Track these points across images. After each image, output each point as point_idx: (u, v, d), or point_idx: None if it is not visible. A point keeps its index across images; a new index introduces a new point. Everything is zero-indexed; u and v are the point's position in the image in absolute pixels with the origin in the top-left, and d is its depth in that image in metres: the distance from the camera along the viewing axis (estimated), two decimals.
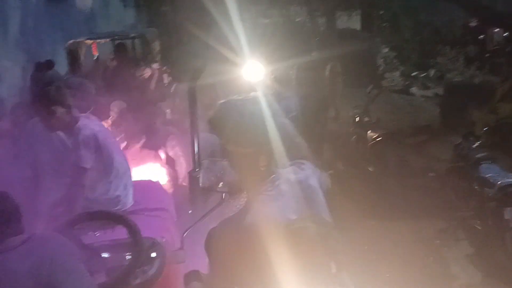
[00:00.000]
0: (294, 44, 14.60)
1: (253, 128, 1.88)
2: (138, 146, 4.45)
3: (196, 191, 3.24)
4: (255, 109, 1.92)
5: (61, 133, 3.03)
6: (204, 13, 24.11)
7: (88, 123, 3.03)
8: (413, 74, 12.57)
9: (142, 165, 4.24)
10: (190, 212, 3.91)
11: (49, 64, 8.19)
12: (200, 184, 2.99)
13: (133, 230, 2.50)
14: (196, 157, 3.32)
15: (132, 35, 9.51)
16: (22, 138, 3.36)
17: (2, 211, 2.18)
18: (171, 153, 4.47)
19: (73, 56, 8.48)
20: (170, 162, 4.46)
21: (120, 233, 2.68)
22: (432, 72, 12.51)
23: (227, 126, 1.89)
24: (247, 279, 1.77)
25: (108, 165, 3.08)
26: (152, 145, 4.51)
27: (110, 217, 2.74)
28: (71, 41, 8.47)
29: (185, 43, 22.15)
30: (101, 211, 2.87)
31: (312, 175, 1.97)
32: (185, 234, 2.86)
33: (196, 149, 3.35)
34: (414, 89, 11.59)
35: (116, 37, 9.42)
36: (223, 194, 3.12)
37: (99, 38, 8.99)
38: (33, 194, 3.26)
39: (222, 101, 2.01)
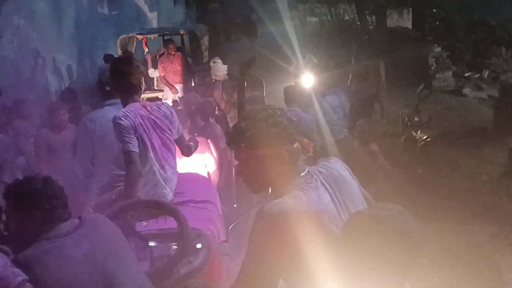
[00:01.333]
0: (342, 42, 14.43)
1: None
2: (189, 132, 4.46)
3: (241, 185, 3.23)
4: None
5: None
6: (253, 10, 24.24)
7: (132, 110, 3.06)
8: (466, 74, 12.17)
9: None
10: (235, 205, 3.94)
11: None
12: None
13: (181, 221, 2.52)
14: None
15: (182, 30, 9.62)
16: (81, 130, 3.42)
17: (49, 196, 2.21)
18: (221, 145, 4.48)
19: (124, 51, 8.67)
20: (219, 153, 4.47)
21: (168, 223, 2.70)
22: (486, 73, 12.08)
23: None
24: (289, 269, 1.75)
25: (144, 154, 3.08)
26: (204, 133, 4.54)
27: (161, 207, 2.76)
28: (122, 36, 8.66)
29: (233, 40, 22.33)
30: (154, 200, 2.90)
31: (342, 167, 1.94)
32: (230, 227, 2.85)
33: None
34: (466, 90, 11.20)
35: (166, 32, 9.57)
36: (269, 189, 3.12)
37: (149, 33, 9.16)
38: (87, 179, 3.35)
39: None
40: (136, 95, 3.16)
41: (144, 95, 7.19)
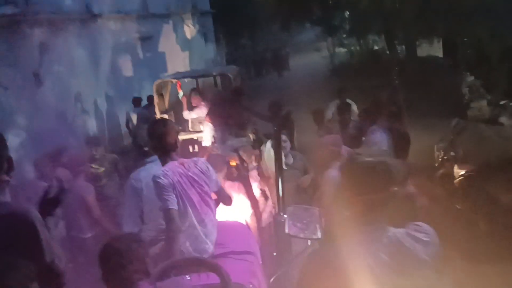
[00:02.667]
0: (372, 73, 14.46)
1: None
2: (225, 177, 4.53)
3: (281, 235, 3.26)
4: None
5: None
6: (282, 44, 24.53)
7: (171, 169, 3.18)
8: (502, 102, 11.95)
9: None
10: (274, 254, 3.96)
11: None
12: (286, 230, 3.03)
13: (224, 278, 2.57)
14: (281, 201, 3.36)
15: (214, 73, 9.87)
16: (128, 189, 3.55)
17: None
18: (257, 192, 4.54)
19: (159, 94, 8.95)
20: (253, 198, 4.52)
21: (210, 278, 2.76)
22: None
23: None
24: None
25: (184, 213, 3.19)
26: (238, 177, 4.61)
27: (203, 264, 2.83)
28: (158, 81, 8.94)
29: (263, 75, 22.65)
30: (195, 257, 2.97)
31: None
32: (272, 279, 2.89)
33: (280, 192, 3.39)
34: (503, 119, 10.98)
35: (200, 75, 9.84)
36: (309, 241, 3.14)
37: (183, 77, 9.42)
38: None
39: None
40: (173, 152, 3.30)
41: (180, 137, 7.36)
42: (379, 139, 5.31)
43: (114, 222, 5.13)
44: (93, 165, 6.19)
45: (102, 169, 6.28)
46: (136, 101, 10.52)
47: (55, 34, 9.76)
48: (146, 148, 3.62)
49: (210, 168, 3.46)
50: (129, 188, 3.45)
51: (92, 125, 11.20)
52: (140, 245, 2.40)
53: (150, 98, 9.85)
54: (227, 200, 3.65)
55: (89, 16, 11.06)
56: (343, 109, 7.82)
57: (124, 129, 11.86)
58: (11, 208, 2.25)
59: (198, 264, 2.86)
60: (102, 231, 5.05)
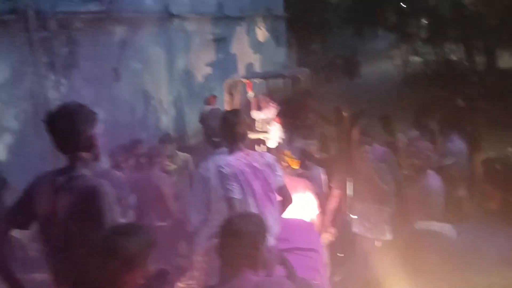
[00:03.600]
0: (448, 83, 13.93)
1: None
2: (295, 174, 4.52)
3: (347, 234, 3.21)
4: None
5: None
6: (354, 51, 24.20)
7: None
8: None
9: (295, 193, 4.28)
10: (338, 254, 3.90)
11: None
12: (353, 229, 2.99)
13: (290, 270, 2.56)
14: (349, 199, 3.31)
15: (286, 74, 9.89)
16: (197, 178, 3.63)
17: None
18: (325, 189, 4.49)
19: (230, 93, 9.08)
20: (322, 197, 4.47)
21: (276, 270, 2.75)
22: None
23: None
24: None
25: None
26: (309, 175, 4.58)
27: (270, 253, 2.83)
28: (229, 80, 9.09)
29: (333, 81, 22.44)
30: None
31: None
32: (336, 279, 2.84)
33: (350, 192, 3.34)
34: None
35: (271, 76, 9.90)
36: (374, 241, 3.07)
37: (253, 77, 9.52)
38: None
39: None
40: (241, 143, 3.33)
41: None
42: (457, 148, 5.12)
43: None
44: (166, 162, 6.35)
45: (174, 166, 6.44)
46: (211, 99, 10.64)
47: (134, 32, 10.16)
48: (216, 139, 3.67)
49: (276, 163, 3.46)
50: (197, 177, 3.52)
51: (163, 122, 11.54)
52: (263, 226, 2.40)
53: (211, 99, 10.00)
54: (287, 201, 3.61)
55: (167, 16, 11.43)
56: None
57: (191, 128, 12.16)
58: (87, 180, 2.39)
59: (265, 254, 2.86)
60: (173, 222, 5.21)
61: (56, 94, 7.90)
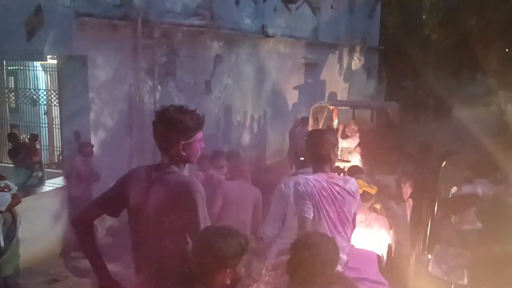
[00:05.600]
0: None
1: None
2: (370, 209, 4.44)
3: (420, 274, 3.09)
4: None
5: None
6: (447, 93, 23.37)
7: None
8: None
9: (369, 229, 4.21)
10: None
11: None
12: (429, 270, 2.87)
13: None
14: (426, 239, 3.19)
15: (374, 106, 9.75)
16: (276, 192, 3.68)
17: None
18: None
19: (315, 118, 9.11)
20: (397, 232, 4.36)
21: None
22: None
23: None
24: None
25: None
26: (387, 210, 4.48)
27: (342, 279, 2.79)
28: (316, 105, 9.12)
29: (422, 120, 21.76)
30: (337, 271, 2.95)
31: None
32: None
33: (428, 231, 3.22)
34: None
35: (359, 106, 9.82)
36: (452, 285, 2.93)
37: (341, 105, 9.48)
38: None
39: None
40: (326, 165, 3.31)
41: None
42: None
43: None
44: None
45: None
46: (303, 121, 10.63)
47: (230, 48, 10.52)
48: (302, 158, 3.70)
49: (358, 192, 3.40)
50: (277, 192, 3.55)
51: (245, 138, 11.77)
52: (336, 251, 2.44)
53: (305, 119, 10.05)
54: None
55: (263, 36, 11.72)
56: None
57: (271, 148, 12.30)
58: (181, 177, 2.51)
59: (337, 277, 2.82)
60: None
61: (151, 99, 8.33)
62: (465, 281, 2.62)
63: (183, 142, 2.50)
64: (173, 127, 2.48)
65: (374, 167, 7.70)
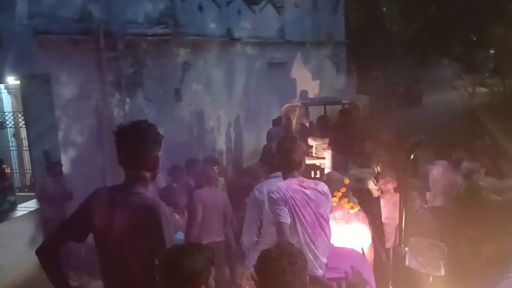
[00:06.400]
0: None
1: None
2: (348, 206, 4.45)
3: (399, 268, 3.10)
4: None
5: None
6: (417, 79, 23.67)
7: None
8: None
9: (349, 225, 4.20)
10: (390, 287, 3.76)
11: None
12: (406, 263, 2.87)
13: None
14: (402, 232, 3.20)
15: (344, 101, 9.81)
16: (250, 200, 3.65)
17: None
18: (384, 220, 4.39)
19: (287, 118, 9.11)
20: (376, 228, 4.37)
21: None
22: None
23: None
24: None
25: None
26: (364, 204, 4.50)
27: (319, 283, 2.79)
28: (287, 105, 9.12)
29: (393, 109, 22.04)
30: (313, 275, 2.94)
31: None
32: None
33: (403, 224, 3.22)
34: None
35: (329, 102, 9.85)
36: (431, 277, 2.94)
37: (312, 103, 9.51)
38: None
39: None
40: (296, 171, 3.33)
41: None
42: None
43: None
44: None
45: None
46: (277, 121, 10.60)
47: (197, 54, 10.46)
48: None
49: (330, 194, 3.43)
50: (251, 199, 3.53)
51: (220, 143, 11.72)
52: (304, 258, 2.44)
53: (278, 120, 10.05)
54: None
55: (229, 40, 11.70)
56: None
57: (247, 150, 12.28)
58: (145, 199, 2.46)
59: (313, 281, 2.81)
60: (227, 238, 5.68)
61: (120, 112, 8.22)
62: (442, 272, 2.63)
63: (149, 158, 2.47)
64: (151, 138, 2.46)
65: (348, 162, 7.74)
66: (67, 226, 2.58)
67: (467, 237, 1.89)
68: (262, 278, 2.30)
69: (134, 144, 2.48)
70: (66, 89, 7.31)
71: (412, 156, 3.21)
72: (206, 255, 2.14)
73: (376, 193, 5.40)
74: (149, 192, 2.57)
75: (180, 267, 2.06)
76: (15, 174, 8.91)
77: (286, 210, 3.12)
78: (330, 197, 3.37)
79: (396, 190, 5.16)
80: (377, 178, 6.04)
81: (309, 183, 3.30)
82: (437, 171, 6.26)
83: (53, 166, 6.74)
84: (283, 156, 3.32)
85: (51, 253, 2.55)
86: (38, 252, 2.55)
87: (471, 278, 1.95)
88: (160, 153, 2.54)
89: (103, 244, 2.52)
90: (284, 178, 3.31)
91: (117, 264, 2.47)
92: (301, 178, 3.30)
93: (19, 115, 8.28)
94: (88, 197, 2.58)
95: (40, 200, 6.96)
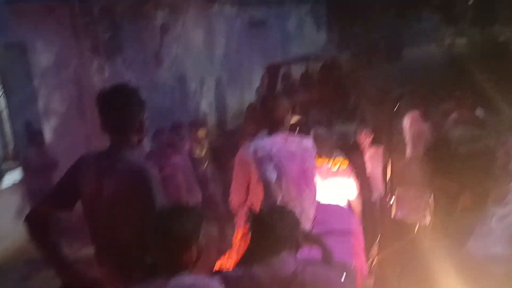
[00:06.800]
0: (496, 67, 13.43)
1: None
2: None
3: (386, 219, 3.18)
4: None
5: None
6: (397, 34, 23.55)
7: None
8: None
9: (334, 178, 4.25)
10: (378, 238, 3.87)
11: None
12: (392, 215, 2.95)
13: (327, 252, 2.57)
14: (388, 183, 3.27)
15: (325, 58, 9.78)
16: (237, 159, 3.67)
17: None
18: (368, 171, 4.45)
19: (270, 77, 9.07)
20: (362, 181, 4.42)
21: (312, 253, 2.75)
22: None
23: None
24: None
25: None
26: (350, 158, 4.54)
27: (307, 237, 2.84)
28: (269, 64, 9.07)
29: (375, 64, 22.01)
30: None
31: None
32: (373, 263, 2.83)
33: (389, 174, 3.30)
34: None
35: (310, 59, 9.81)
36: (416, 227, 3.02)
37: (294, 61, 9.46)
38: None
39: None
40: (281, 128, 3.34)
41: None
42: None
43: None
44: (197, 148, 6.48)
45: (204, 150, 6.56)
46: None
47: (175, 16, 10.24)
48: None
49: (314, 149, 3.45)
50: (238, 159, 3.55)
51: (203, 106, 11.65)
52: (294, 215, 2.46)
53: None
54: None
55: (208, 0, 11.45)
56: None
57: (231, 112, 12.25)
58: (132, 164, 2.45)
59: (302, 237, 2.86)
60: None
61: (100, 78, 8.09)
62: (427, 221, 2.70)
63: (134, 121, 2.46)
64: (135, 101, 2.44)
65: (332, 118, 7.79)
66: (54, 194, 2.54)
67: (442, 188, 1.93)
68: (253, 236, 2.33)
69: (119, 107, 2.45)
70: (43, 57, 7.15)
71: (395, 109, 3.26)
72: (195, 215, 2.14)
73: (360, 147, 5.47)
74: (136, 157, 2.55)
75: (171, 229, 2.06)
76: None
77: (272, 167, 3.14)
78: (314, 152, 3.39)
79: (376, 143, 5.21)
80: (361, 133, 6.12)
81: (294, 138, 3.31)
82: (406, 121, 6.39)
83: (35, 135, 6.66)
84: (267, 113, 3.32)
85: (39, 223, 2.51)
86: (26, 222, 2.51)
87: (453, 226, 2.00)
88: (146, 116, 2.52)
89: (91, 211, 2.50)
90: (269, 135, 3.32)
91: (107, 229, 2.47)
92: (285, 135, 3.32)
93: None
94: (74, 164, 2.54)
95: (24, 171, 6.91)
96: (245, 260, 2.38)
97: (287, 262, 2.20)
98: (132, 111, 2.49)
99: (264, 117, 3.35)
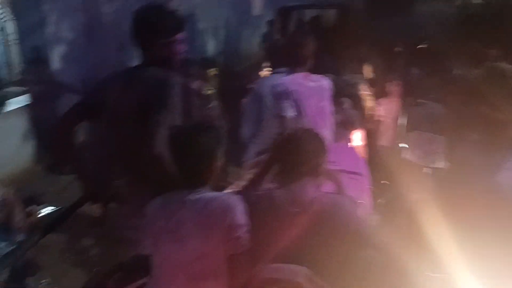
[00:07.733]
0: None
1: None
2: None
3: (395, 163, 3.24)
4: None
5: None
6: None
7: None
8: None
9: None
10: (383, 182, 3.95)
11: None
12: (402, 155, 3.01)
13: (339, 185, 2.64)
14: (399, 129, 3.31)
15: (336, 4, 9.60)
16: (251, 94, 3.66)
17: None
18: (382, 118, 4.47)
19: (282, 22, 8.94)
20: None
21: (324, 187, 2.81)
22: None
23: None
24: None
25: None
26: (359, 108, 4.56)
27: (327, 174, 2.88)
28: (280, 7, 8.91)
29: (375, 19, 21.52)
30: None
31: None
32: (379, 200, 2.91)
33: (398, 121, 3.33)
34: None
35: (322, 6, 9.66)
36: (423, 168, 3.09)
37: (306, 5, 9.30)
38: None
39: None
40: (302, 66, 3.33)
41: None
42: None
43: None
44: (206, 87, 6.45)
45: (213, 90, 6.54)
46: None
47: None
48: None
49: (331, 88, 3.47)
50: (252, 93, 3.57)
51: (210, 46, 11.50)
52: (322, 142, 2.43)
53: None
54: None
55: None
56: None
57: (242, 53, 12.11)
58: (160, 72, 2.49)
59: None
60: None
61: (109, 7, 7.94)
62: (442, 164, 2.75)
63: (162, 41, 2.44)
64: (150, 26, 2.43)
65: (340, 67, 7.73)
66: (79, 105, 2.58)
67: (487, 120, 1.94)
68: (274, 158, 2.36)
69: (143, 28, 2.49)
70: None
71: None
72: (216, 133, 2.17)
73: (367, 98, 5.46)
74: (161, 70, 2.53)
75: (192, 144, 2.08)
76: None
77: (289, 103, 3.17)
78: (331, 92, 3.41)
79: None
80: (372, 83, 6.09)
81: (313, 77, 3.32)
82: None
83: (42, 61, 6.63)
84: (291, 49, 3.30)
85: (66, 132, 2.55)
86: (54, 130, 2.55)
87: (476, 169, 2.02)
88: (177, 40, 2.50)
89: (113, 124, 2.52)
90: (289, 73, 3.32)
91: (128, 142, 2.49)
92: (306, 73, 3.32)
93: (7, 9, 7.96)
94: (101, 78, 2.57)
95: (31, 95, 6.92)
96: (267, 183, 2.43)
97: (308, 189, 2.25)
98: (154, 34, 2.49)
99: (289, 53, 3.33)
